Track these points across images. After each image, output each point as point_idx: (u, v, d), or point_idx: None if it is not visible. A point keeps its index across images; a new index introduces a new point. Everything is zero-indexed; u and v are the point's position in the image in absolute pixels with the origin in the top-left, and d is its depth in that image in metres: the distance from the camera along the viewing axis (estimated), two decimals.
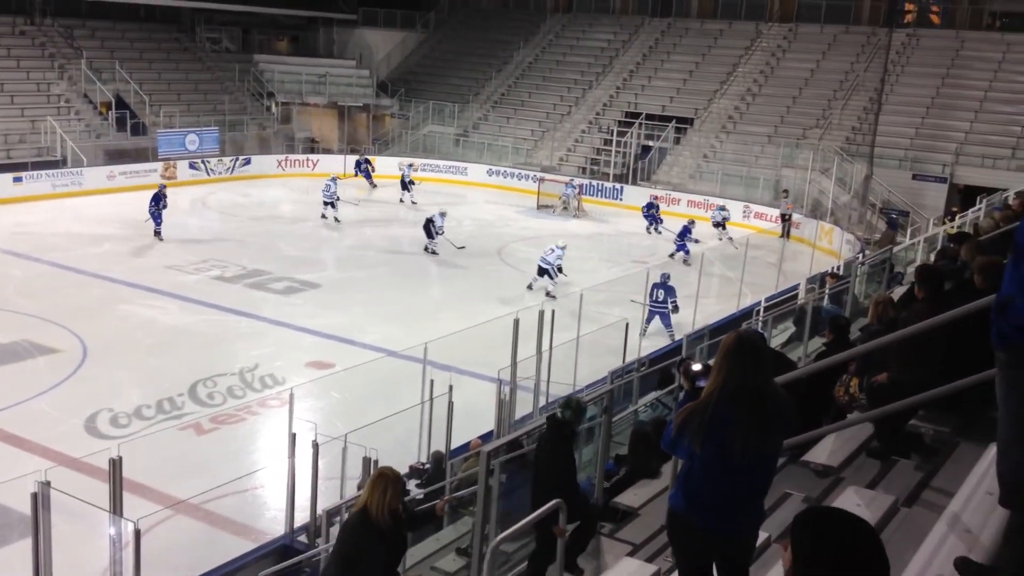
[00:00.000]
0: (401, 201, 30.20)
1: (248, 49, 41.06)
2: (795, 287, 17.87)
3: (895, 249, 18.74)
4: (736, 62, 36.20)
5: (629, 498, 7.16)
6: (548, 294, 19.45)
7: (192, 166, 32.09)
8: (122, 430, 12.55)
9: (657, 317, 17.37)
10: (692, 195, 30.66)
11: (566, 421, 6.64)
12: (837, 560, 2.13)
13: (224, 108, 35.02)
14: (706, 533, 3.76)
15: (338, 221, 26.81)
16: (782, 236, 26.93)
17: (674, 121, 33.98)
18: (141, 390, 14.01)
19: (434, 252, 23.72)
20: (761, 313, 14.99)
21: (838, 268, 17.81)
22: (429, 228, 23.76)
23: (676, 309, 17.37)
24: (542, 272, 20.16)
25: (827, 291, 14.87)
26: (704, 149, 32.99)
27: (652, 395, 12.15)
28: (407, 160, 33.00)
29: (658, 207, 27.83)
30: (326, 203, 26.84)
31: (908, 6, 36.01)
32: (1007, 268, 3.10)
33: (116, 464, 7.81)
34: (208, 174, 32.40)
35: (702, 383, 3.90)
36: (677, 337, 16.21)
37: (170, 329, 17.14)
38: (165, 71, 36.07)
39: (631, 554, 5.95)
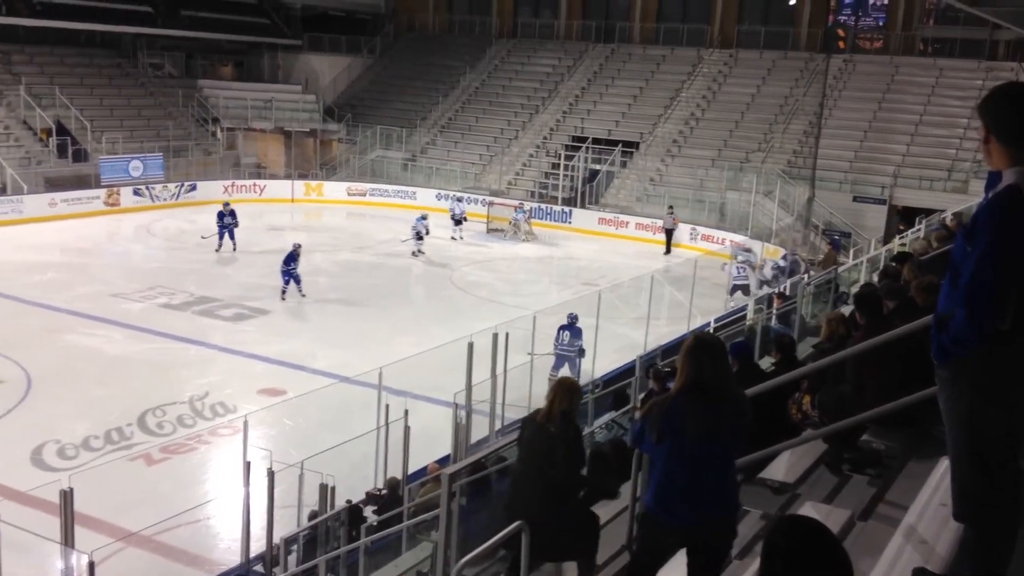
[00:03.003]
0: (453, 238, 29.36)
1: (191, 74, 40.64)
2: (744, 308, 18.18)
3: (839, 269, 19.17)
4: (679, 87, 36.83)
5: None
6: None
7: (136, 192, 31.63)
8: (70, 462, 12.30)
9: (566, 363, 15.44)
10: (640, 218, 31.06)
11: None
12: (808, 566, 2.22)
13: (168, 134, 34.61)
14: (673, 530, 3.99)
15: (422, 253, 26.52)
16: (667, 252, 28.26)
17: (620, 145, 34.42)
18: (88, 421, 13.73)
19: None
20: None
21: (785, 289, 18.17)
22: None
23: (582, 353, 15.37)
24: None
25: (775, 311, 15.17)
26: (650, 172, 33.44)
27: (608, 416, 12.27)
28: (457, 193, 32.38)
29: None
30: (419, 237, 26.47)
31: (842, 32, 37.01)
32: (944, 285, 3.16)
33: (67, 496, 7.67)
34: (153, 200, 31.97)
35: (671, 384, 4.12)
36: (629, 359, 16.23)
37: (116, 358, 16.83)
38: (107, 97, 35.57)
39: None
